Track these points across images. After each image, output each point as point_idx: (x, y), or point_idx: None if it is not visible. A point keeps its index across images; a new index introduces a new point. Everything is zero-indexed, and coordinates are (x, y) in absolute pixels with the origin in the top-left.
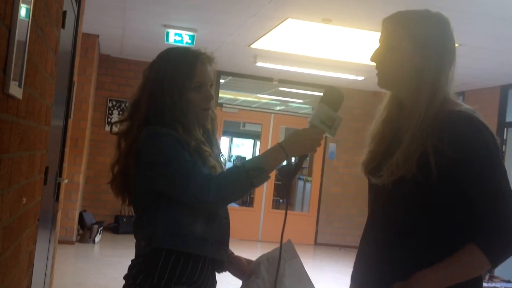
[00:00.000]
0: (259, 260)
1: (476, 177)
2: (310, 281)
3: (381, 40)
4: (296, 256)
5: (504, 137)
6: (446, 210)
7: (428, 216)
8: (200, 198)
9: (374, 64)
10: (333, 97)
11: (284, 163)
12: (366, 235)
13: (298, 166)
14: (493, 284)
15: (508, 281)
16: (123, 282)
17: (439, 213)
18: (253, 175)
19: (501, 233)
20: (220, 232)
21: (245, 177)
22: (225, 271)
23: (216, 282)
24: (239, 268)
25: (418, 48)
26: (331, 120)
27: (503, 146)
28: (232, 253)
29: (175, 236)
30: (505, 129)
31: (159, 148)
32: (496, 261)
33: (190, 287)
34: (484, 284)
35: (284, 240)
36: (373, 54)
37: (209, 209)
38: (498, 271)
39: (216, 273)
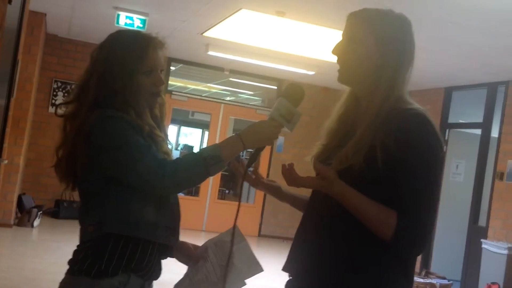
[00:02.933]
0: (206, 245)
1: (406, 178)
2: (258, 262)
3: (344, 34)
4: (244, 239)
5: (446, 138)
6: (385, 204)
7: None
8: (154, 184)
9: (325, 59)
10: (294, 93)
11: None
12: (303, 223)
13: (254, 157)
14: (429, 280)
15: (444, 278)
16: (61, 267)
17: None
18: (210, 163)
19: (414, 229)
20: (171, 218)
21: (202, 164)
22: (172, 257)
23: (161, 269)
24: (186, 253)
25: (379, 44)
26: (290, 114)
27: (444, 147)
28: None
29: (126, 222)
30: (447, 130)
31: (112, 131)
32: (397, 244)
33: (138, 273)
34: (420, 280)
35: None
36: (334, 47)
37: (161, 195)
38: (433, 267)
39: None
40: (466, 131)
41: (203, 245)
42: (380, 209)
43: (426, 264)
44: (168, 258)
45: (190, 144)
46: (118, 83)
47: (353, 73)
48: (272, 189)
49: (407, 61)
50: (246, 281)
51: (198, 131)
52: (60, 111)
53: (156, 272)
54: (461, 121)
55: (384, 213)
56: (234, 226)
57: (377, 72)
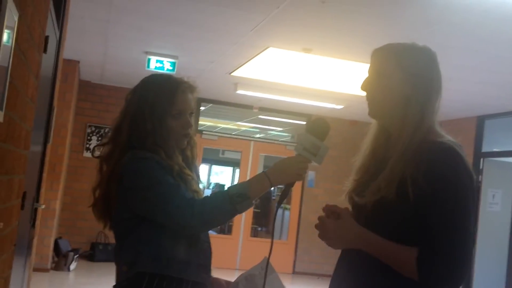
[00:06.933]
0: (237, 280)
1: (435, 212)
2: None
3: (370, 70)
4: (273, 271)
5: (481, 167)
6: (415, 237)
7: (399, 239)
8: (182, 223)
9: (353, 93)
10: (318, 126)
11: None
12: (342, 257)
13: (285, 193)
14: None
15: None
16: None
17: (408, 238)
18: (237, 201)
19: (442, 264)
20: (203, 256)
21: (229, 202)
22: None
23: None
24: None
25: (407, 76)
26: (316, 148)
27: (479, 176)
28: (211, 276)
29: (158, 260)
30: (481, 159)
31: (142, 172)
32: (426, 281)
33: None
34: None
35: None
36: (363, 83)
37: (191, 233)
38: None
39: None
40: (501, 160)
41: (234, 281)
42: (399, 249)
43: None
44: None
45: (221, 182)
46: (148, 125)
47: (382, 106)
48: None
49: (435, 91)
50: None
51: (229, 169)
52: (97, 152)
53: None
54: (495, 149)
55: (404, 252)
56: (268, 260)
57: (405, 104)
